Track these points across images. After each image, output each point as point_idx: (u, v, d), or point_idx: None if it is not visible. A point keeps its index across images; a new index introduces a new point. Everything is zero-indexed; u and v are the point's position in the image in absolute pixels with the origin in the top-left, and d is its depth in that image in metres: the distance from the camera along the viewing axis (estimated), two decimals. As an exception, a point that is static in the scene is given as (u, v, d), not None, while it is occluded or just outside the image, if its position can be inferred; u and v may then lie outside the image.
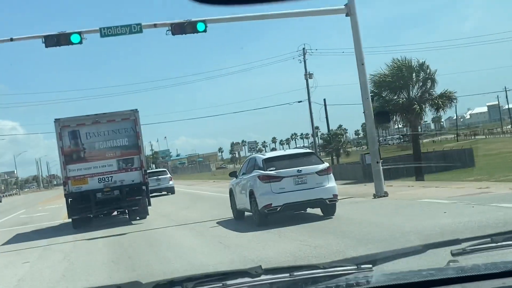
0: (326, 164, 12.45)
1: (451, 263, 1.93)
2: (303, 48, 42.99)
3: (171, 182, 30.12)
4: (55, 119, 15.63)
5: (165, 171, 32.52)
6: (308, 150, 14.08)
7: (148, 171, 18.57)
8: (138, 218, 16.08)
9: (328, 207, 12.12)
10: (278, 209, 11.77)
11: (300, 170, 11.89)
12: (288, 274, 1.82)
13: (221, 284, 1.77)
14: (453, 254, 1.88)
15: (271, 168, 12.09)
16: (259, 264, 1.88)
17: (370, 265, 1.87)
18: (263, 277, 1.80)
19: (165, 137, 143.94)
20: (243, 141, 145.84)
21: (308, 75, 42.34)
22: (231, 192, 14.33)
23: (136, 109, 15.98)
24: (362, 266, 1.86)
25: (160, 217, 16.82)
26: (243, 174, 13.42)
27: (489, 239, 1.88)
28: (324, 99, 46.46)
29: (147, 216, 16.19)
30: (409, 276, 1.82)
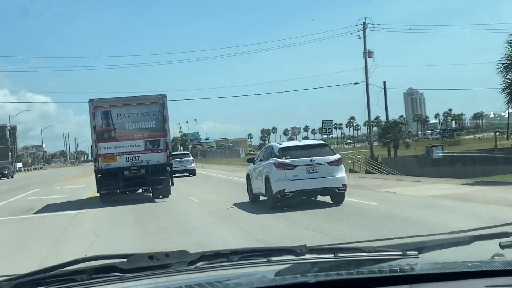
0: (337, 156, 13.77)
1: (496, 257, 1.99)
2: (364, 22, 38.61)
3: (193, 165, 33.79)
4: (89, 99, 17.38)
5: (188, 154, 35.86)
6: (321, 142, 15.37)
7: (172, 153, 20.28)
8: (161, 196, 17.80)
9: (337, 196, 13.47)
10: (291, 194, 13.18)
11: (313, 160, 13.25)
12: (332, 255, 1.88)
13: (265, 260, 1.86)
14: (501, 247, 1.91)
15: (286, 157, 13.49)
16: (304, 243, 1.98)
17: (416, 252, 1.92)
18: (307, 256, 1.87)
19: (195, 119, 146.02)
20: (273, 128, 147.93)
21: (367, 54, 38.23)
22: (248, 177, 15.81)
23: (165, 94, 17.61)
24: (408, 252, 1.91)
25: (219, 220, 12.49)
26: (260, 160, 14.86)
27: None
28: (384, 82, 39.97)
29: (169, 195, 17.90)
30: (454, 266, 1.88)
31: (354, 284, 1.75)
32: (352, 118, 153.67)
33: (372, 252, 1.90)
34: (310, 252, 1.88)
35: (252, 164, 15.68)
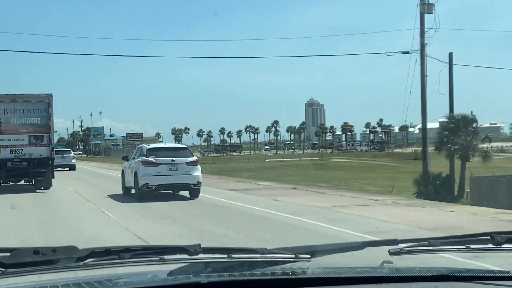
0: (194, 158, 18.57)
1: (385, 263, 2.29)
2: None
3: (73, 160, 41.47)
4: (-23, 94, 21.08)
5: (69, 150, 44.95)
6: (183, 146, 20.18)
7: (55, 149, 24.32)
8: (42, 188, 21.77)
9: (193, 191, 18.19)
10: (153, 188, 17.76)
11: (174, 160, 17.90)
12: (226, 255, 2.07)
13: (158, 258, 2.01)
14: (390, 253, 2.14)
15: (152, 156, 18.05)
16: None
17: (309, 256, 2.12)
18: (201, 255, 2.04)
19: (100, 112, 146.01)
20: (186, 128, 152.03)
21: (425, 6, 27.49)
22: (122, 172, 20.27)
23: (51, 93, 21.68)
24: (301, 255, 2.11)
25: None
26: (133, 158, 19.34)
27: (426, 242, 2.15)
28: (450, 53, 28.66)
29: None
30: (344, 271, 2.18)
31: (247, 286, 1.99)
32: (276, 122, 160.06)
33: (265, 254, 2.10)
34: (204, 252, 2.05)
35: (126, 161, 20.13)
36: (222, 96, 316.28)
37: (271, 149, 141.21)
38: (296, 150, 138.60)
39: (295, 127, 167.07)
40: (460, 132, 27.19)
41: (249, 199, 18.10)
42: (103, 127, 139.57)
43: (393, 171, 46.67)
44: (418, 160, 70.63)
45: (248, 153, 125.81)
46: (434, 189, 24.84)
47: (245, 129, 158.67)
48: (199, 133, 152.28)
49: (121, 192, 20.07)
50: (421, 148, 29.35)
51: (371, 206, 16.13)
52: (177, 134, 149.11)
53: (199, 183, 18.11)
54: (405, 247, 2.15)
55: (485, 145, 31.21)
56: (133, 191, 19.07)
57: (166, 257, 2.02)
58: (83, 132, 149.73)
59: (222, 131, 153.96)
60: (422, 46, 27.09)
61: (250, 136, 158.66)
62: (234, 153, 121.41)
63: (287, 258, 2.11)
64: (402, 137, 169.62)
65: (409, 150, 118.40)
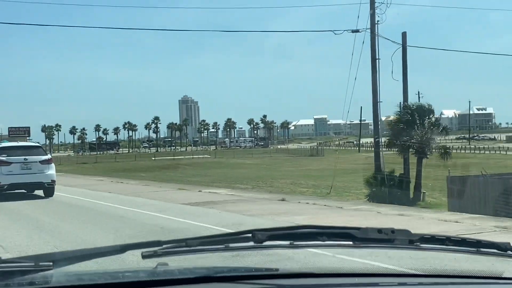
0: (48, 156, 19.16)
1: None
2: None
3: None
4: None
5: None
6: (36, 144, 20.69)
7: None
8: None
9: (47, 190, 18.75)
10: (5, 187, 18.13)
11: (27, 159, 18.37)
12: None
13: None
14: (143, 257, 2.03)
15: (4, 155, 18.38)
16: None
17: (51, 263, 1.95)
18: None
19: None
20: (57, 125, 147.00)
21: None
22: (-27, 173, 20.27)
23: None
24: (41, 263, 1.93)
25: None
26: (-16, 158, 19.47)
27: (184, 242, 2.07)
28: (404, 33, 25.61)
29: None
30: (96, 277, 2.08)
31: None
32: (157, 118, 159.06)
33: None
34: None
35: (-22, 161, 20.19)
36: (96, 92, 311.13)
37: (150, 147, 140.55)
38: (177, 147, 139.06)
39: (176, 123, 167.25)
40: (416, 125, 23.78)
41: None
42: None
43: (302, 169, 47.77)
44: (314, 156, 73.35)
45: (127, 151, 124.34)
46: (389, 191, 22.16)
47: (123, 126, 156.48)
48: (72, 131, 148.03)
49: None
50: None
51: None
52: (48, 131, 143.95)
53: (53, 181, 18.70)
54: (159, 249, 2.02)
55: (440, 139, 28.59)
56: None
57: None
58: None
59: (97, 128, 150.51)
60: (373, 24, 24.21)
61: (128, 133, 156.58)
62: (111, 151, 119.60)
63: (24, 267, 1.91)
64: (283, 134, 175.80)
65: (292, 146, 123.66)
